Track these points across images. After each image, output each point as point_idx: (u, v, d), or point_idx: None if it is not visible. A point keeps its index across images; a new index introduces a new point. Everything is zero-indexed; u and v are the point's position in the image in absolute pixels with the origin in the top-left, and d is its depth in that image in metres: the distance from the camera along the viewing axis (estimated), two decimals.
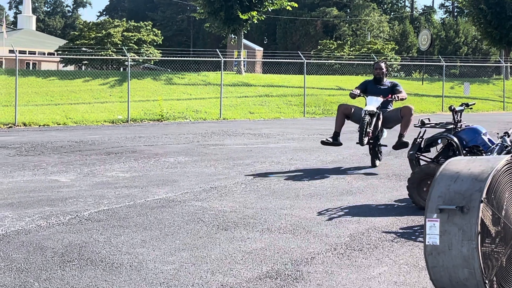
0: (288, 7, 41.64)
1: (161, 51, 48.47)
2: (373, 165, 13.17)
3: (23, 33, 78.23)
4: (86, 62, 47.37)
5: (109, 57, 42.27)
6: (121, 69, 33.59)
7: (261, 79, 40.12)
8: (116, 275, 6.31)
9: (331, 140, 13.06)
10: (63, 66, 50.28)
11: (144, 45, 49.73)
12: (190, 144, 17.81)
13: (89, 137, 19.15)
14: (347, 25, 75.59)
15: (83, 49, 46.10)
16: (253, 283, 6.12)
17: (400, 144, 12.63)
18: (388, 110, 12.97)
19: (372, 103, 12.55)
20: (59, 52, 52.29)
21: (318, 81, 38.27)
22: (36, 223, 8.33)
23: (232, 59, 42.59)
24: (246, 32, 43.03)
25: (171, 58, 40.59)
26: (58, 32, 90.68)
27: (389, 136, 13.33)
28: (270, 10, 42.02)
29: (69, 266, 6.59)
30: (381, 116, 12.54)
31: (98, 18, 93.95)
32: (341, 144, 13.20)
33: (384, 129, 13.07)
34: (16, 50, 27.23)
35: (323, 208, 9.44)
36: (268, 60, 48.76)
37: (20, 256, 6.91)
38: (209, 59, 33.49)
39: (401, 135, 12.65)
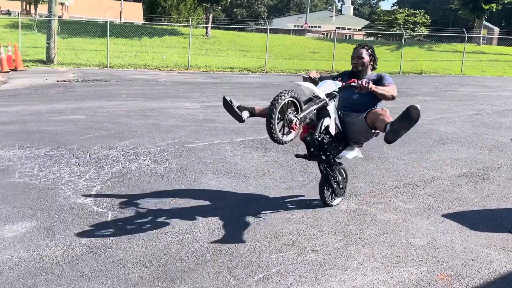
0: None
1: (428, 29, 45.78)
2: (323, 202, 4.68)
3: (345, 17, 78.21)
4: (379, 35, 46.49)
5: (392, 32, 40.96)
6: (403, 40, 31.82)
7: (493, 49, 36.09)
8: (368, 164, 6.37)
9: (235, 107, 4.54)
10: (365, 37, 49.66)
11: (418, 25, 47.29)
12: (434, 89, 16.84)
13: None
14: None
15: (379, 27, 45.08)
16: (452, 178, 5.83)
17: (393, 129, 4.15)
18: (356, 115, 4.56)
19: (322, 86, 4.33)
20: (364, 28, 51.73)
21: None
22: None
23: (474, 35, 38.71)
24: (486, 17, 38.83)
25: (433, 34, 38.25)
26: (366, 17, 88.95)
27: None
28: (505, 2, 37.30)
29: None
30: (330, 109, 4.31)
31: (391, 8, 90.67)
32: (242, 121, 4.56)
33: (355, 147, 4.75)
34: (337, 28, 27.50)
35: None
36: (501, 36, 43.69)
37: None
38: (457, 34, 30.78)
39: (385, 126, 4.20)
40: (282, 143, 3.90)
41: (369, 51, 4.79)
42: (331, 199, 4.70)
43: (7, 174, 5.33)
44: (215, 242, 3.84)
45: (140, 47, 24.50)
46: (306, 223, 4.28)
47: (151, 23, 30.53)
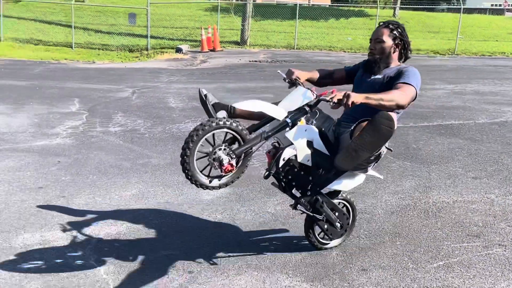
0: None
1: None
2: (312, 245, 3.36)
3: None
4: None
5: None
6: None
7: None
8: None
9: (210, 104, 3.14)
10: None
11: None
12: None
13: None
14: None
15: None
16: None
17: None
18: (350, 129, 2.93)
19: (285, 100, 2.92)
20: None
21: None
22: None
23: None
24: None
25: None
26: None
27: None
28: None
29: None
30: (290, 134, 2.79)
31: None
32: (212, 116, 3.11)
33: (357, 172, 3.08)
34: None
35: None
36: None
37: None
38: None
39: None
40: (211, 189, 2.72)
41: (394, 32, 3.09)
42: (325, 240, 3.36)
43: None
44: (394, 224, 3.82)
45: (326, 29, 24.73)
46: (494, 215, 4.00)
47: (338, 4, 30.56)
